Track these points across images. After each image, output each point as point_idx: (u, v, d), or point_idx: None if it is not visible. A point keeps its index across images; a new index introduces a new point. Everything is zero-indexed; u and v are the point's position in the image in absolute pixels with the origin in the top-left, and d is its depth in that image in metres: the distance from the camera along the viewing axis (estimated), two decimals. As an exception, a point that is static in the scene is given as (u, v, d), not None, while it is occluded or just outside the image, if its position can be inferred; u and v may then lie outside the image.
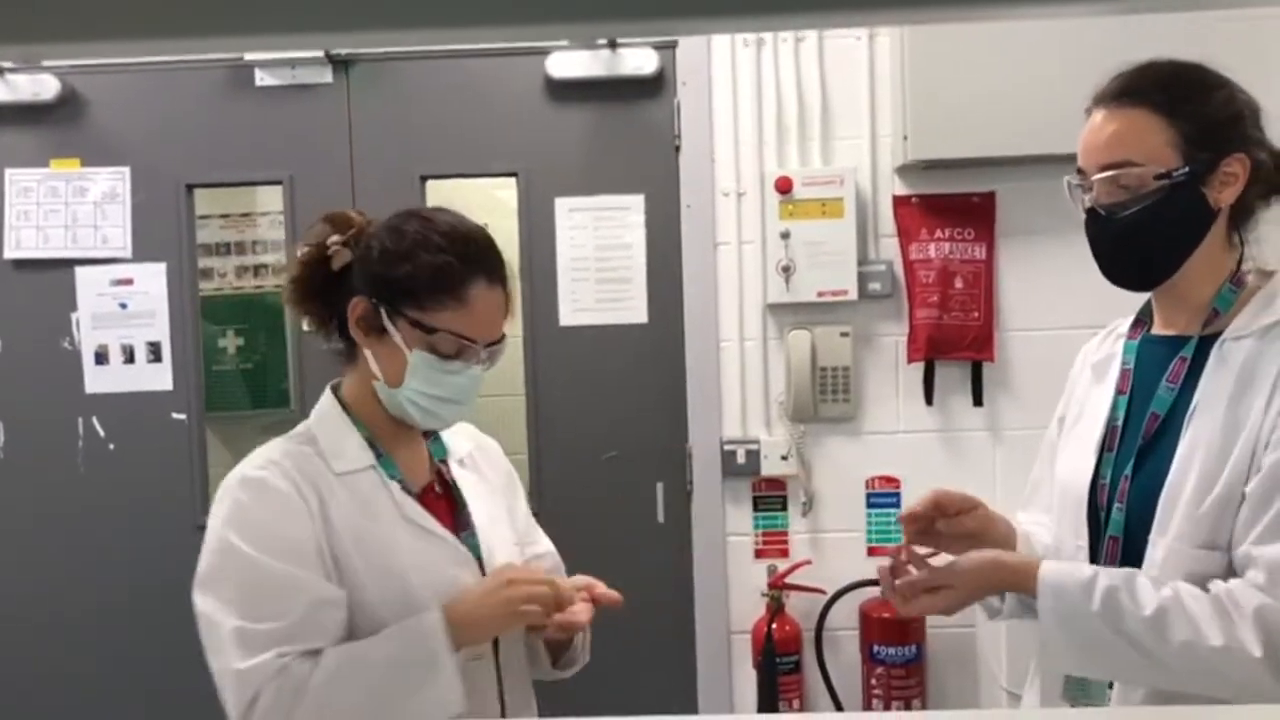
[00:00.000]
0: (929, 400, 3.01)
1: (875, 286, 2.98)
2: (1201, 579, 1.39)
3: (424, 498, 1.62)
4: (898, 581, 1.53)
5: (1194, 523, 1.40)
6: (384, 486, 1.58)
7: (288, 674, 1.42)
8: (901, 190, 3.00)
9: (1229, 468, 1.39)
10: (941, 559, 1.56)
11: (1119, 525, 1.49)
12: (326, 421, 1.61)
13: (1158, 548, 1.43)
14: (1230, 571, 1.40)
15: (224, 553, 1.49)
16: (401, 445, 1.64)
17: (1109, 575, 1.41)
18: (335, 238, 1.57)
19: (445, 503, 1.66)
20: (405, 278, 1.53)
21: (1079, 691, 1.52)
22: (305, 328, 1.68)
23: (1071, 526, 1.56)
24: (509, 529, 1.72)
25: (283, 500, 1.51)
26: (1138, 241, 1.48)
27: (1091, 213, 1.50)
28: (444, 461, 1.70)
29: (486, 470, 1.76)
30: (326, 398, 1.64)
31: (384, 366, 1.56)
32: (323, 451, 1.57)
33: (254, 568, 1.47)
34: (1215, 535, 1.39)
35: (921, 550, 1.58)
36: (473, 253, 1.55)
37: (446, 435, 1.72)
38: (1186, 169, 1.44)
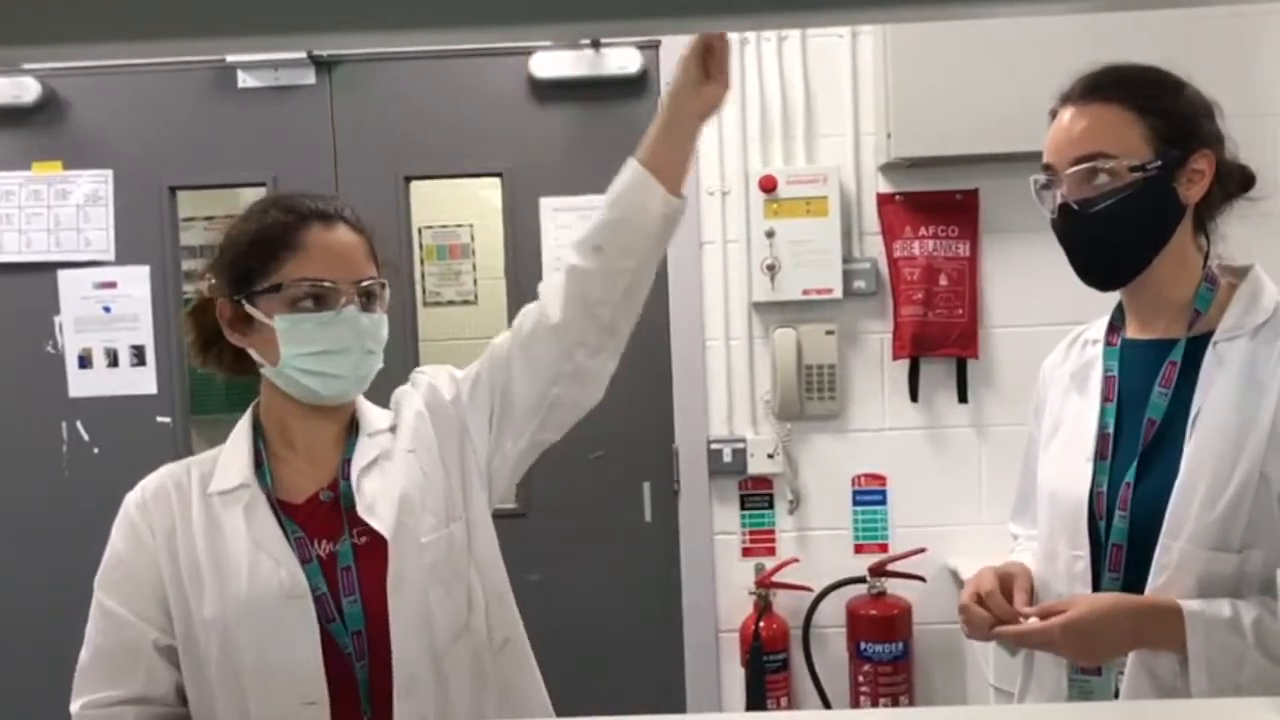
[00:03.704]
0: (914, 397, 3.02)
1: (860, 284, 2.99)
2: (1214, 581, 1.41)
3: (302, 509, 1.51)
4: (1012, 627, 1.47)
5: (1207, 525, 1.41)
6: (250, 505, 1.49)
7: None
8: (885, 188, 3.01)
9: (1241, 470, 1.40)
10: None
11: (1122, 533, 1.48)
12: (234, 436, 1.57)
13: (1170, 552, 1.43)
14: (1241, 573, 1.41)
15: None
16: (294, 452, 1.55)
17: (1246, 607, 1.40)
18: (201, 267, 1.58)
19: (330, 510, 1.51)
20: (244, 256, 1.49)
21: (1083, 695, 1.51)
22: (201, 367, 1.61)
23: (1067, 537, 1.54)
24: (430, 515, 1.52)
25: (132, 533, 1.51)
26: (1111, 236, 1.48)
27: (1063, 208, 1.50)
28: (349, 461, 1.54)
29: (419, 451, 1.57)
30: (248, 411, 1.60)
31: (265, 352, 1.50)
32: (215, 469, 1.53)
33: (96, 600, 1.52)
34: (1228, 537, 1.41)
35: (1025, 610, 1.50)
36: (298, 205, 1.50)
37: (361, 437, 1.57)
38: (1159, 162, 1.45)
